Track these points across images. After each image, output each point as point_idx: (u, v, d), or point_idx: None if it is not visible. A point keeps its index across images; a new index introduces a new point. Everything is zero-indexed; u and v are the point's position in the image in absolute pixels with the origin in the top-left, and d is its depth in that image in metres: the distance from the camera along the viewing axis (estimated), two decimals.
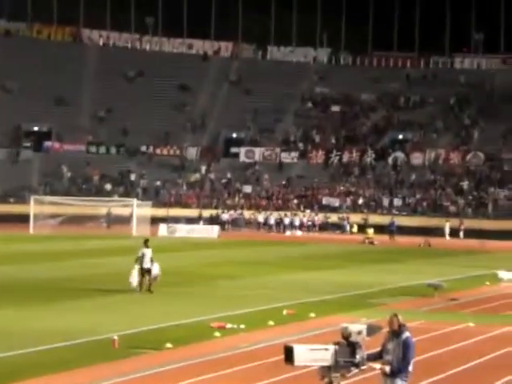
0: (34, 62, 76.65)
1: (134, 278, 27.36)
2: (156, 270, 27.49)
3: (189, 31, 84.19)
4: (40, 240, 49.16)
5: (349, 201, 66.51)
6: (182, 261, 39.71)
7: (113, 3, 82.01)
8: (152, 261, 27.43)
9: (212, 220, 62.50)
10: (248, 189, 69.47)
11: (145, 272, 27.38)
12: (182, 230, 56.99)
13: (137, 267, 27.37)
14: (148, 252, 27.53)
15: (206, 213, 64.17)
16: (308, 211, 65.31)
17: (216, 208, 65.76)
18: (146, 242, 27.88)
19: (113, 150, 73.35)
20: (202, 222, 61.41)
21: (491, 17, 78.56)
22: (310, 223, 63.61)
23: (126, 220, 56.72)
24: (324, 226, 63.78)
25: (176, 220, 60.57)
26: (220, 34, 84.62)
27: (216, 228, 58.14)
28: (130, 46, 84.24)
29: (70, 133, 73.58)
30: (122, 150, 73.29)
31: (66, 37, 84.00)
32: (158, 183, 69.31)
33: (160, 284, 28.38)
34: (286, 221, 63.12)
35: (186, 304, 26.04)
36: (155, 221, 57.07)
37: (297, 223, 62.80)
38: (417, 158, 70.25)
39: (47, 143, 73.30)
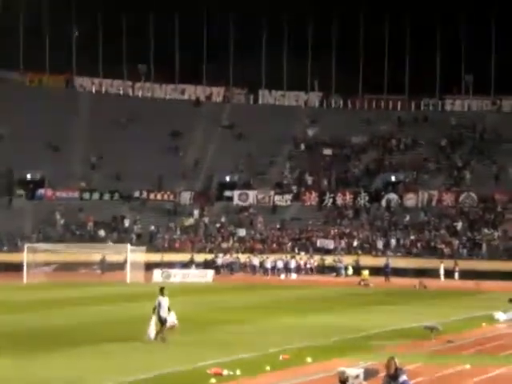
0: (27, 109, 77.02)
1: (152, 331, 26.55)
2: (172, 318, 26.82)
3: (181, 77, 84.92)
4: (34, 288, 48.88)
5: (343, 243, 66.49)
6: (177, 307, 39.47)
7: (105, 51, 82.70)
8: (169, 309, 26.76)
9: (206, 264, 62.34)
10: (242, 232, 69.45)
11: (163, 321, 26.67)
12: (177, 275, 56.79)
13: (154, 318, 26.59)
14: (164, 301, 26.77)
15: (201, 257, 64.02)
16: (303, 254, 65.23)
17: (210, 252, 65.65)
18: (161, 290, 27.00)
19: (106, 196, 73.39)
20: (194, 267, 61.21)
21: (481, 59, 79.38)
22: (307, 266, 63.46)
23: (120, 266, 56.53)
24: (320, 269, 63.65)
25: (170, 265, 60.38)
26: (212, 79, 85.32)
27: (211, 272, 57.97)
28: (122, 92, 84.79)
29: (63, 180, 73.67)
30: (115, 196, 73.33)
31: (59, 84, 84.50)
32: (152, 228, 69.26)
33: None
34: (281, 264, 62.96)
35: (182, 350, 25.89)
36: (150, 266, 56.88)
37: (292, 266, 62.63)
38: (410, 200, 70.44)
39: (40, 191, 73.33)
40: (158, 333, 26.70)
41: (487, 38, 78.90)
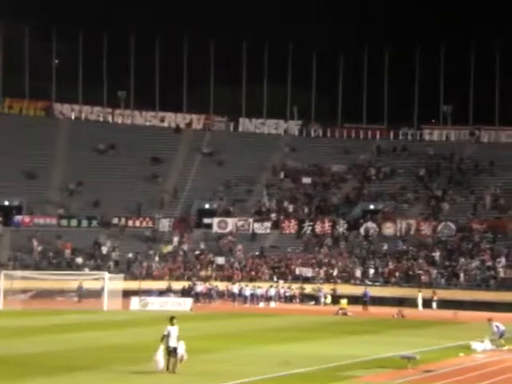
0: (6, 136, 76.79)
1: (161, 359, 26.07)
2: (182, 349, 26.33)
3: (161, 104, 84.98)
4: (11, 315, 48.50)
5: (322, 271, 66.48)
6: (153, 335, 39.28)
7: (85, 78, 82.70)
8: (178, 339, 26.33)
9: (184, 292, 62.04)
10: (221, 260, 69.28)
11: (171, 351, 26.19)
12: (155, 303, 56.46)
13: (162, 347, 26.15)
14: (174, 330, 26.35)
15: (179, 285, 63.74)
16: (281, 282, 65.13)
17: (189, 280, 65.38)
18: (171, 320, 26.65)
19: (84, 223, 73.03)
20: (171, 295, 60.87)
21: (459, 89, 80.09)
22: (287, 294, 63.30)
23: (97, 294, 56.18)
24: (299, 298, 63.56)
25: (148, 293, 60.04)
26: (192, 106, 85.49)
27: (189, 300, 57.70)
28: (101, 119, 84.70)
29: (41, 206, 73.35)
30: (93, 223, 73.01)
31: (38, 111, 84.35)
32: (130, 255, 68.95)
33: (131, 360, 28.00)
34: (260, 292, 62.80)
35: (159, 380, 25.70)
36: (127, 294, 56.57)
37: (271, 294, 62.50)
38: (388, 229, 70.64)
39: (18, 217, 72.88)
40: (169, 363, 26.16)
41: (466, 69, 79.66)
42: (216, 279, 66.07)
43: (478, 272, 63.00)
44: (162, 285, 63.95)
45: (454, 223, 68.83)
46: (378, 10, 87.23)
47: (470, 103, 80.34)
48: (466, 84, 79.95)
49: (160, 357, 26.13)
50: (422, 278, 63.41)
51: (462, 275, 62.84)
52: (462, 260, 64.39)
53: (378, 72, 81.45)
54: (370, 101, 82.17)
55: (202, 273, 67.28)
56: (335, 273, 66.25)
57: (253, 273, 67.43)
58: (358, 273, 65.71)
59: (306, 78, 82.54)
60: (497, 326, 35.56)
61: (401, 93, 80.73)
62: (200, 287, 63.45)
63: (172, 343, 26.18)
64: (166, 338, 26.26)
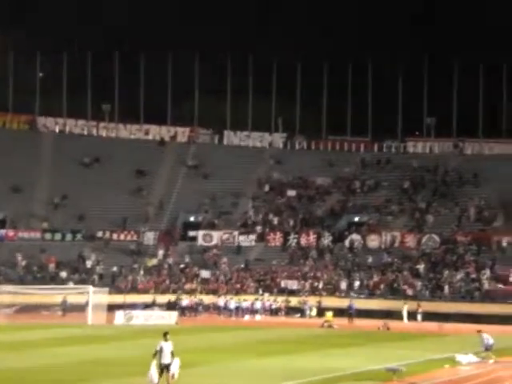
0: None
1: (154, 376, 25.51)
2: (176, 366, 25.85)
3: (145, 117, 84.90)
4: None
5: (307, 284, 66.47)
6: (138, 350, 39.15)
7: (69, 91, 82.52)
8: (173, 355, 25.82)
9: (169, 306, 61.83)
10: (206, 273, 69.14)
11: (164, 367, 25.63)
12: (140, 317, 56.24)
13: (154, 362, 25.65)
14: (167, 346, 25.78)
15: (164, 298, 63.54)
16: (267, 294, 65.05)
17: (174, 293, 65.19)
18: (165, 335, 26.06)
19: (68, 237, 72.71)
20: (156, 309, 60.64)
21: (443, 102, 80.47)
22: (273, 307, 63.20)
23: (81, 308, 55.90)
24: (285, 310, 63.49)
25: (132, 306, 59.80)
26: (176, 119, 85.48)
27: (174, 314, 57.51)
28: (86, 132, 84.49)
29: (25, 220, 73.02)
30: (78, 236, 72.73)
31: (22, 125, 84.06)
32: (115, 269, 68.70)
33: (116, 374, 27.85)
34: (245, 305, 62.71)
35: None
36: (112, 308, 56.33)
37: (257, 307, 62.42)
38: (373, 241, 70.75)
39: (1, 231, 72.50)
40: (161, 380, 25.67)
41: (449, 81, 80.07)
42: (201, 292, 65.91)
43: (462, 284, 63.16)
44: (147, 298, 63.73)
45: (438, 235, 69.02)
46: (362, 23, 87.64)
47: (453, 115, 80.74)
48: (450, 96, 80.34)
49: (153, 372, 25.66)
50: (407, 290, 63.50)
51: (446, 287, 62.97)
52: (447, 272, 64.54)
53: (362, 85, 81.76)
54: (354, 113, 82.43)
55: (187, 286, 67.11)
56: (320, 285, 66.26)
57: (238, 286, 67.33)
58: (344, 285, 65.75)
59: (291, 91, 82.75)
60: (486, 338, 35.63)
61: (385, 105, 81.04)
62: (186, 300, 63.28)
63: (165, 360, 25.71)
64: (158, 353, 25.79)
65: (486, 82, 79.38)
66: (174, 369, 25.87)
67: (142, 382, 27.91)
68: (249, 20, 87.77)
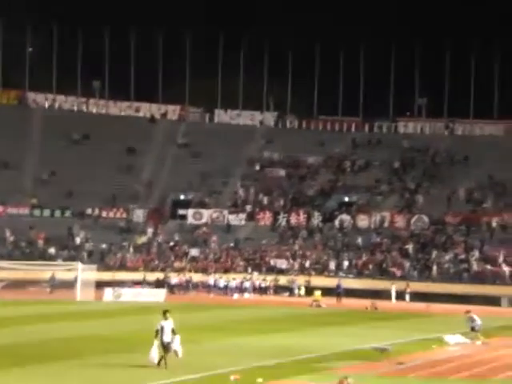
0: None
1: (155, 355, 25.54)
2: (177, 343, 25.79)
3: (136, 94, 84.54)
4: None
5: (296, 263, 66.51)
6: (126, 326, 39.12)
7: (59, 67, 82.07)
8: (174, 333, 25.81)
9: (158, 284, 61.80)
10: (196, 251, 69.10)
11: (166, 346, 25.62)
12: (128, 294, 56.21)
13: (156, 342, 25.58)
14: (168, 324, 25.79)
15: (153, 276, 63.48)
16: (256, 273, 65.08)
17: (163, 271, 65.13)
18: (164, 314, 26.04)
19: (57, 213, 72.46)
20: (145, 286, 60.57)
21: (434, 82, 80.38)
22: (263, 286, 63.24)
23: (70, 284, 55.80)
24: (274, 289, 63.58)
25: (121, 284, 59.73)
26: (167, 97, 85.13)
27: (163, 292, 57.50)
28: (76, 108, 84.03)
29: (14, 196, 72.68)
30: (66, 213, 72.50)
31: (11, 100, 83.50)
32: (104, 246, 68.55)
33: (104, 350, 27.74)
34: (234, 284, 62.73)
35: (126, 372, 25.53)
36: (101, 285, 56.25)
37: (246, 286, 62.45)
38: (363, 221, 70.79)
39: None
40: (161, 358, 25.70)
41: (441, 62, 79.93)
42: (190, 270, 65.88)
43: (451, 265, 63.26)
44: (136, 276, 63.66)
45: (427, 216, 69.08)
46: (355, 4, 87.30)
47: (444, 96, 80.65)
48: (441, 77, 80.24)
49: (154, 352, 25.64)
50: (396, 270, 63.61)
51: (434, 268, 63.08)
52: (436, 253, 64.64)
53: (354, 64, 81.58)
54: (346, 93, 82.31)
55: (177, 264, 67.05)
56: (309, 265, 66.30)
57: (227, 264, 67.32)
58: (332, 265, 65.82)
59: (282, 70, 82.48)
60: (473, 320, 35.63)
61: (376, 85, 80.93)
62: (175, 278, 63.23)
63: (166, 338, 25.66)
64: (159, 332, 25.70)
65: (477, 62, 79.25)
66: (177, 346, 25.85)
67: (129, 358, 27.92)
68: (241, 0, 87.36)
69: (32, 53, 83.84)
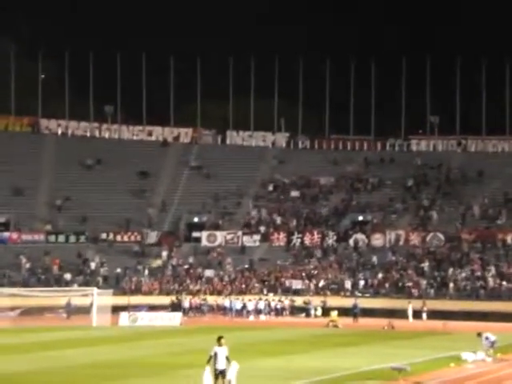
0: None
1: (208, 382, 24.41)
2: (233, 372, 24.75)
3: (148, 118, 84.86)
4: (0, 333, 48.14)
5: (311, 283, 66.34)
6: (143, 351, 39.07)
7: (71, 93, 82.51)
8: (228, 360, 24.82)
9: (174, 307, 61.72)
10: (210, 273, 69.06)
11: (219, 374, 24.59)
12: (144, 318, 56.18)
13: (208, 368, 24.56)
14: (222, 351, 24.73)
15: (169, 299, 63.40)
16: (271, 295, 64.92)
17: (178, 294, 65.09)
18: (219, 340, 24.99)
19: (72, 239, 72.65)
20: (162, 310, 60.46)
21: (446, 99, 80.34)
22: (278, 307, 63.02)
23: (86, 310, 55.81)
24: (290, 310, 63.34)
25: (137, 308, 59.68)
26: (179, 120, 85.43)
27: (178, 315, 57.43)
28: (88, 134, 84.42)
29: (29, 222, 72.95)
30: (81, 238, 72.67)
31: (24, 127, 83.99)
32: (119, 271, 68.60)
33: (123, 376, 27.65)
34: (250, 305, 62.59)
35: None
36: (116, 309, 56.25)
37: (261, 307, 62.30)
38: (377, 240, 70.61)
39: (5, 234, 72.41)
40: None
41: (452, 79, 79.96)
42: (206, 293, 65.81)
43: (467, 282, 62.97)
44: (151, 300, 63.64)
45: (442, 233, 68.85)
46: (364, 22, 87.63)
47: (456, 113, 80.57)
48: (453, 94, 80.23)
49: (207, 379, 24.59)
50: (412, 288, 63.35)
51: (451, 285, 62.79)
52: (452, 270, 64.37)
53: (365, 83, 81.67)
54: (357, 112, 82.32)
55: (192, 287, 67.00)
56: (325, 285, 66.12)
57: (243, 286, 67.21)
58: (348, 284, 65.60)
59: (293, 90, 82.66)
60: (487, 338, 35.44)
61: (388, 104, 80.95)
62: (187, 301, 63.07)
63: (219, 365, 24.68)
64: (212, 358, 24.79)
65: (488, 79, 79.26)
66: (231, 375, 24.92)
67: (151, 383, 27.81)
68: (250, 21, 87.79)
69: (44, 79, 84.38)
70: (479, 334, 35.88)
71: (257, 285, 67.12)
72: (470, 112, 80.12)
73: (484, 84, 79.28)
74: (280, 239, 72.89)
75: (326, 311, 59.45)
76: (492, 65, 78.01)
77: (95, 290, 56.78)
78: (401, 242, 69.60)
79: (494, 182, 73.72)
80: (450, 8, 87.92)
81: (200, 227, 75.00)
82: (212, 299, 64.39)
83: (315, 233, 72.28)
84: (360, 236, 71.08)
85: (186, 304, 62.63)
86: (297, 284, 66.66)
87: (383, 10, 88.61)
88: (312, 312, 62.64)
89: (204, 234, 73.92)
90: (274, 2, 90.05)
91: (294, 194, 78.36)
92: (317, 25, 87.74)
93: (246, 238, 73.20)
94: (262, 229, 73.98)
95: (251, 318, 61.30)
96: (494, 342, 35.35)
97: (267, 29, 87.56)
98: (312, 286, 66.05)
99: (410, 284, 63.90)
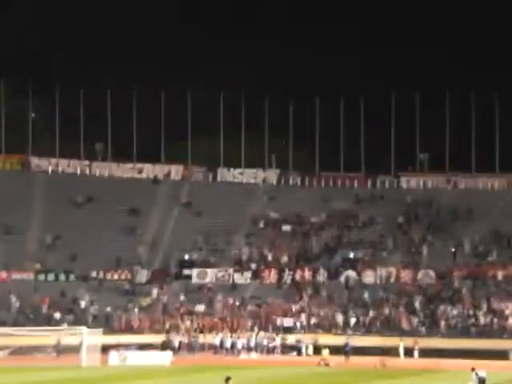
0: None
1: None
2: None
3: (139, 156, 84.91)
4: None
5: (303, 321, 66.08)
6: None
7: (61, 131, 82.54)
8: None
9: (164, 345, 61.30)
10: (201, 311, 68.71)
11: None
12: (134, 357, 55.74)
13: None
14: None
15: (159, 338, 63.02)
16: (262, 333, 64.60)
17: (168, 332, 64.70)
18: (227, 381, 24.92)
19: (62, 277, 72.26)
20: (152, 349, 60.05)
21: (435, 137, 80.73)
22: (269, 345, 62.66)
23: (76, 349, 55.38)
24: (282, 348, 63.01)
25: (127, 347, 59.26)
26: (170, 157, 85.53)
27: (169, 354, 57.04)
28: (79, 172, 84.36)
29: (18, 261, 72.54)
30: (71, 277, 72.30)
31: (14, 165, 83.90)
32: (109, 309, 68.15)
33: None
34: (240, 343, 62.25)
35: None
36: (106, 348, 55.84)
37: (252, 345, 61.94)
38: (368, 277, 70.51)
39: None
40: None
41: (441, 116, 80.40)
42: (196, 331, 65.45)
43: (458, 319, 62.81)
44: (141, 338, 63.22)
45: (433, 270, 68.81)
46: (353, 58, 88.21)
47: (446, 150, 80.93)
48: (442, 131, 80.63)
49: None
50: (403, 326, 63.14)
51: (442, 323, 62.60)
52: (443, 307, 64.22)
53: (355, 120, 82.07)
54: (347, 149, 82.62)
55: (182, 324, 66.62)
56: (316, 322, 65.83)
57: (233, 324, 66.85)
58: (340, 322, 65.35)
59: (283, 127, 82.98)
60: (476, 374, 35.44)
61: (377, 141, 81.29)
62: (180, 339, 62.70)
63: None
64: None
65: (478, 116, 79.72)
66: None
67: None
68: (240, 58, 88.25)
69: (34, 118, 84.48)
70: (473, 369, 35.84)
71: (248, 322, 66.78)
72: (459, 149, 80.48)
73: (473, 121, 79.73)
74: (271, 276, 72.68)
75: (318, 349, 59.14)
76: (481, 101, 78.52)
77: (85, 329, 56.37)
78: (392, 279, 69.49)
79: (484, 219, 73.86)
80: (439, 44, 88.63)
81: (190, 264, 74.76)
82: (202, 337, 64.02)
83: (306, 269, 72.12)
84: (351, 273, 70.99)
85: (176, 343, 62.21)
86: (288, 322, 66.38)
87: (372, 47, 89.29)
88: (303, 350, 62.31)
89: (194, 272, 73.66)
90: (264, 40, 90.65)
91: (285, 230, 78.28)
92: (306, 63, 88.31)
93: (236, 276, 72.99)
94: (253, 266, 73.80)
95: (242, 355, 60.94)
96: (484, 378, 35.25)
97: (256, 67, 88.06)
98: (303, 324, 65.74)
99: (401, 322, 63.67)
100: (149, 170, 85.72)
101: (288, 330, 65.26)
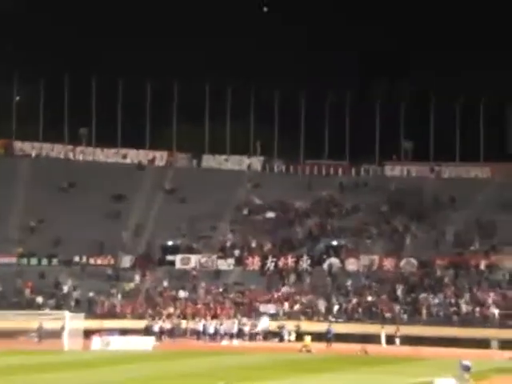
0: None
1: None
2: None
3: (123, 141, 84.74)
4: None
5: (285, 307, 66.26)
6: (114, 376, 38.75)
7: (46, 115, 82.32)
8: None
9: (147, 331, 61.33)
10: (184, 297, 68.75)
11: None
12: (117, 342, 55.73)
13: None
14: None
15: (142, 323, 63.03)
16: (245, 319, 64.73)
17: (152, 318, 64.72)
18: None
19: (44, 262, 72.13)
20: (135, 334, 60.04)
21: (420, 126, 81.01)
22: (251, 331, 62.82)
23: (58, 334, 55.32)
24: (264, 335, 63.16)
25: (109, 332, 59.24)
26: (155, 143, 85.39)
27: (151, 339, 57.07)
28: (62, 156, 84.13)
29: (1, 245, 72.27)
30: (54, 261, 72.17)
31: None
32: (92, 294, 68.11)
33: None
34: (222, 329, 62.37)
35: None
36: (89, 333, 55.82)
37: (234, 331, 62.08)
38: (351, 264, 70.76)
39: None
40: None
41: (426, 106, 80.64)
42: (179, 316, 65.52)
43: (440, 308, 63.15)
44: (124, 323, 63.21)
45: (416, 259, 69.11)
46: (339, 50, 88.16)
47: (430, 139, 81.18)
48: (426, 121, 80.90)
49: None
50: (385, 313, 63.43)
51: (424, 311, 62.90)
52: (424, 296, 64.54)
53: (340, 109, 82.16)
54: (332, 137, 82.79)
55: (165, 310, 66.65)
56: (299, 309, 66.04)
57: (216, 310, 66.96)
58: (322, 309, 65.56)
59: (269, 115, 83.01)
60: (462, 363, 35.54)
61: (362, 129, 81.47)
62: (161, 325, 62.69)
63: None
64: None
65: (462, 105, 79.95)
66: None
67: None
68: (225, 45, 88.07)
69: (19, 102, 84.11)
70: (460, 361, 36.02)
71: (230, 309, 66.89)
72: (443, 138, 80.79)
73: (458, 110, 80.00)
74: (254, 263, 72.82)
75: (300, 336, 59.33)
76: (466, 91, 78.71)
77: (67, 313, 56.30)
78: (374, 267, 69.77)
79: (467, 209, 74.19)
80: (426, 36, 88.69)
81: (174, 250, 74.78)
82: (185, 323, 64.10)
83: (289, 257, 72.29)
84: (334, 260, 71.21)
85: (156, 328, 62.22)
86: (270, 308, 66.53)
87: (360, 38, 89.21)
88: (286, 337, 62.49)
89: (178, 258, 73.69)
90: (251, 28, 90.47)
91: (269, 217, 78.40)
92: (292, 54, 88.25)
93: (220, 262, 73.09)
94: (237, 252, 73.90)
95: (224, 342, 61.07)
96: (468, 366, 35.40)
97: (243, 54, 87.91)
98: (286, 311, 65.92)
99: (383, 309, 63.96)
100: (133, 156, 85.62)
101: (270, 317, 65.36)
